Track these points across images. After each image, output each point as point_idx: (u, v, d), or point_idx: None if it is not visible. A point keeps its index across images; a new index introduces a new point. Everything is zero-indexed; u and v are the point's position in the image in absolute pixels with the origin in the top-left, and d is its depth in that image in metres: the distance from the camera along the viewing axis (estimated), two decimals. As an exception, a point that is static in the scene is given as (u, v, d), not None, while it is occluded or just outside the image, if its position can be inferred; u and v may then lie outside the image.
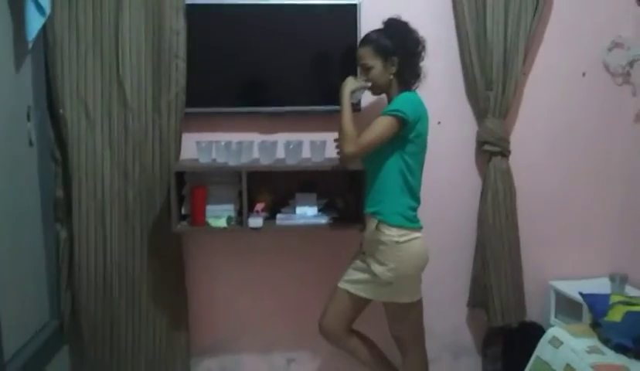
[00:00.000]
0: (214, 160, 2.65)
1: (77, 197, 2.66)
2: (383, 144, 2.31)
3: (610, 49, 3.01)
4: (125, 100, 2.66)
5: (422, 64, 2.45)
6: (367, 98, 2.64)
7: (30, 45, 2.36)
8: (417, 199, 2.44)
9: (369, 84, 2.45)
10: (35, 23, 2.34)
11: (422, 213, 2.44)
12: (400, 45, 2.38)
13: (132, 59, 2.65)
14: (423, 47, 2.45)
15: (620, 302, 2.32)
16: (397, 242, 2.34)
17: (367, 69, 2.42)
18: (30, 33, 2.33)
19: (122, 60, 2.64)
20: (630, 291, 2.80)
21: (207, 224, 2.59)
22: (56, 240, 2.66)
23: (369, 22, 2.62)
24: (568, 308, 2.91)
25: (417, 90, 2.48)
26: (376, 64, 2.39)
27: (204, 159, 2.63)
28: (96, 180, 2.68)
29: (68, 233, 2.69)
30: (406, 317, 2.49)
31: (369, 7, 2.73)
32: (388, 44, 2.38)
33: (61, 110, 2.61)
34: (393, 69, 2.39)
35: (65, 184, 2.67)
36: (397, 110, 2.28)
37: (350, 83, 2.43)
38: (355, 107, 2.48)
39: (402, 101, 2.33)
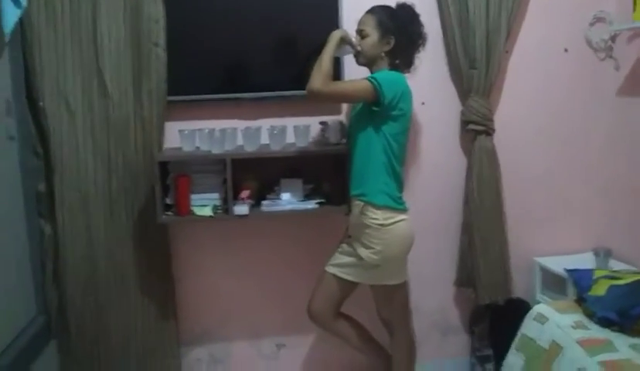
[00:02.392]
0: (198, 148, 2.63)
1: (60, 190, 2.64)
2: (351, 101, 2.36)
3: (592, 24, 3.01)
4: (106, 91, 2.63)
5: (417, 56, 2.47)
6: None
7: (7, 39, 2.32)
8: (401, 179, 2.44)
9: (359, 48, 2.44)
10: (11, 16, 2.29)
11: (408, 193, 2.45)
12: (403, 29, 2.40)
13: (111, 49, 2.61)
14: (424, 42, 2.48)
15: (604, 277, 2.35)
16: (382, 225, 2.35)
17: (363, 36, 2.42)
18: (7, 26, 2.28)
19: (101, 50, 2.60)
20: (614, 264, 2.84)
21: (192, 213, 2.57)
22: (40, 234, 2.64)
23: (350, 6, 2.60)
24: (553, 283, 2.94)
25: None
26: (373, 34, 2.40)
27: (187, 148, 2.61)
28: (79, 172, 2.65)
29: (52, 226, 2.67)
30: (393, 299, 2.51)
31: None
32: (391, 22, 2.39)
33: (41, 103, 2.58)
34: (387, 48, 2.40)
35: (47, 178, 2.64)
36: (378, 84, 2.27)
37: (344, 32, 2.43)
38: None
39: (386, 78, 2.32)
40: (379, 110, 2.31)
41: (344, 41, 2.42)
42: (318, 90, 2.29)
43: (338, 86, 2.31)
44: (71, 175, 2.64)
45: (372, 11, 2.43)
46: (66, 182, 2.64)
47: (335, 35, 2.40)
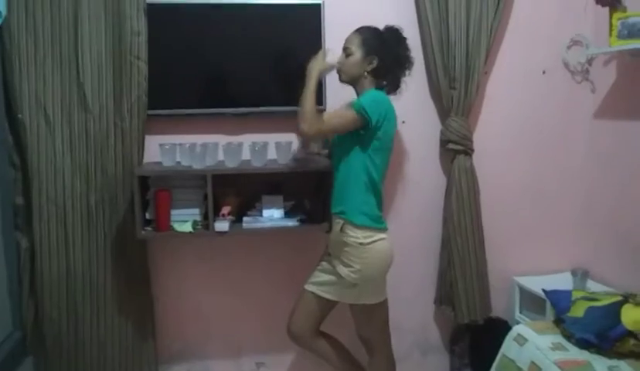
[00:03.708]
0: (178, 163, 2.62)
1: (38, 203, 2.60)
2: (341, 133, 2.35)
3: (569, 47, 3.06)
4: (86, 104, 2.60)
5: (403, 79, 2.49)
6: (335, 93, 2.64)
7: (-15, 50, 2.30)
8: (382, 197, 2.45)
9: (337, 65, 2.45)
10: (-9, 26, 2.28)
11: (388, 211, 2.46)
12: (388, 51, 2.41)
13: (92, 62, 2.60)
14: (410, 65, 2.50)
15: (582, 298, 2.37)
16: (362, 243, 2.34)
17: (348, 54, 2.42)
18: (-14, 37, 2.26)
19: (82, 63, 2.58)
20: (591, 285, 2.87)
21: (172, 229, 2.55)
22: (16, 248, 2.59)
23: (332, 21, 2.62)
24: (532, 302, 2.96)
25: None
26: (357, 53, 2.40)
27: (168, 162, 2.59)
28: (57, 186, 2.62)
29: (29, 240, 2.62)
30: (372, 317, 2.50)
31: (332, 7, 2.73)
32: (376, 43, 2.40)
33: (19, 115, 2.54)
34: (369, 67, 2.40)
35: (25, 190, 2.61)
36: (363, 109, 2.28)
37: (320, 62, 2.42)
38: (321, 108, 2.47)
39: (371, 101, 2.32)
40: (365, 132, 2.32)
41: (322, 72, 2.43)
42: (306, 132, 2.30)
43: (326, 125, 2.30)
44: (49, 188, 2.61)
45: (359, 30, 2.44)
46: (44, 195, 2.60)
47: (312, 72, 2.37)
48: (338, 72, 2.47)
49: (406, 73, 2.51)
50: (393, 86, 2.50)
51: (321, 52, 2.45)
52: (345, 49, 2.44)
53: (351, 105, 2.33)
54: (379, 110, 2.32)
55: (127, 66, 2.60)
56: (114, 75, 2.62)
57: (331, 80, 2.54)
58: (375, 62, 2.39)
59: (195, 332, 2.93)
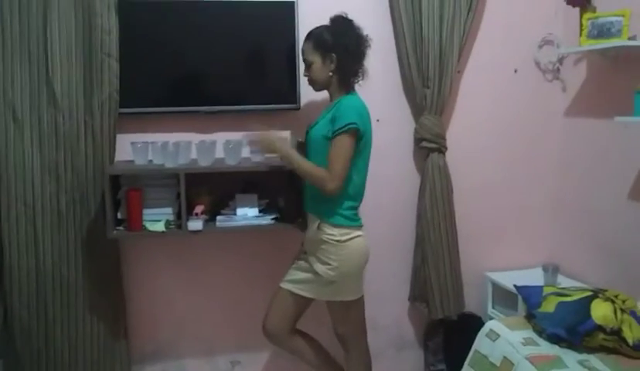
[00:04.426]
0: (150, 161, 2.59)
1: (6, 202, 2.54)
2: (317, 142, 2.33)
3: (540, 47, 3.11)
4: (55, 102, 2.55)
5: (364, 63, 2.44)
6: (308, 96, 2.62)
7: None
8: (360, 198, 2.45)
9: (289, 132, 2.46)
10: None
11: (363, 209, 2.45)
12: (340, 42, 2.35)
13: (62, 59, 2.54)
14: (366, 45, 2.42)
15: (553, 293, 2.40)
16: (339, 241, 2.34)
17: (308, 65, 2.41)
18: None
19: (51, 60, 2.53)
20: (562, 280, 2.92)
21: (145, 229, 2.51)
22: (-16, 248, 2.54)
23: (307, 18, 2.61)
24: (505, 298, 3.00)
25: (357, 88, 2.47)
26: (316, 60, 2.38)
27: (140, 161, 2.56)
28: (25, 184, 2.56)
29: (-3, 239, 2.57)
30: (349, 314, 2.51)
31: (306, 3, 2.73)
32: (328, 40, 2.36)
33: (-14, 112, 2.49)
34: (332, 66, 2.38)
35: (-8, 189, 2.55)
36: (349, 124, 2.25)
37: (284, 142, 2.41)
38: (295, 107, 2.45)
39: (348, 110, 2.29)
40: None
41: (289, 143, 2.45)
42: (333, 190, 2.26)
43: (338, 169, 2.25)
44: (17, 186, 2.55)
45: (308, 37, 2.42)
46: (12, 193, 2.55)
47: (285, 150, 2.36)
48: (311, 83, 2.46)
49: (365, 53, 2.43)
50: (356, 74, 2.43)
51: (270, 138, 2.41)
52: (304, 61, 2.43)
53: (338, 131, 2.26)
54: (360, 116, 2.31)
55: (97, 63, 2.56)
56: (85, 73, 2.57)
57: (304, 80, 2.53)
58: (334, 59, 2.37)
59: (169, 332, 2.90)
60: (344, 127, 2.25)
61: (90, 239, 2.64)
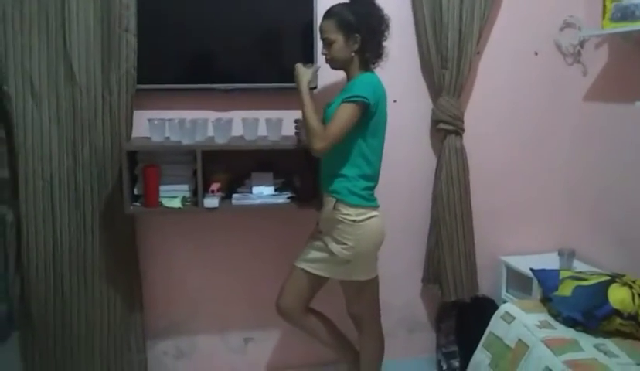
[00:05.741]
0: (167, 138, 2.58)
1: (24, 177, 2.55)
2: (350, 129, 2.28)
3: (561, 29, 3.07)
4: (73, 77, 2.55)
5: (385, 43, 2.42)
6: (325, 76, 2.60)
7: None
8: (376, 179, 2.44)
9: (319, 66, 2.44)
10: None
11: (378, 190, 2.45)
12: (364, 22, 2.34)
13: (80, 34, 2.53)
14: (387, 26, 2.41)
15: (569, 277, 2.39)
16: (355, 221, 2.34)
17: (329, 43, 2.37)
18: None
19: (69, 35, 2.52)
20: (577, 265, 2.90)
21: (161, 205, 2.52)
22: (2, 222, 2.55)
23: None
24: (519, 282, 2.99)
25: (375, 69, 2.46)
26: (338, 39, 2.35)
27: (157, 138, 2.56)
28: (43, 159, 2.57)
29: (15, 214, 2.58)
30: (363, 294, 2.52)
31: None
32: (351, 20, 2.33)
33: (5, 87, 2.49)
34: (355, 46, 2.36)
35: (11, 164, 2.56)
36: (359, 96, 2.25)
37: (305, 74, 2.38)
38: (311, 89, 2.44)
39: (362, 85, 2.30)
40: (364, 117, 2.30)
41: (312, 78, 2.41)
42: (321, 148, 2.26)
43: (334, 131, 2.25)
44: (35, 162, 2.56)
45: (330, 14, 2.37)
46: (30, 169, 2.56)
47: (302, 86, 2.36)
48: (328, 62, 2.43)
49: (386, 35, 2.42)
50: (377, 55, 2.43)
51: (299, 66, 2.41)
52: (324, 39, 2.39)
53: (346, 99, 2.28)
54: (374, 92, 2.30)
55: (115, 38, 2.55)
56: (102, 47, 2.56)
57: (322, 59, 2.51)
58: (358, 39, 2.35)
59: (183, 308, 2.92)
60: (352, 97, 2.26)
61: (107, 214, 2.66)
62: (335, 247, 2.36)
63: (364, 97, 2.25)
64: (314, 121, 2.29)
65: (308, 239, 2.54)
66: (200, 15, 2.66)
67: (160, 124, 2.55)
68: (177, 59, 2.70)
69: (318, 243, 2.44)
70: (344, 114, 2.26)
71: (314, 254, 2.45)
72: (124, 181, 2.46)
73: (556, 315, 2.32)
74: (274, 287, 2.55)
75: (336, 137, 2.26)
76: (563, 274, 2.44)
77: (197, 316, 2.95)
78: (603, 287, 2.25)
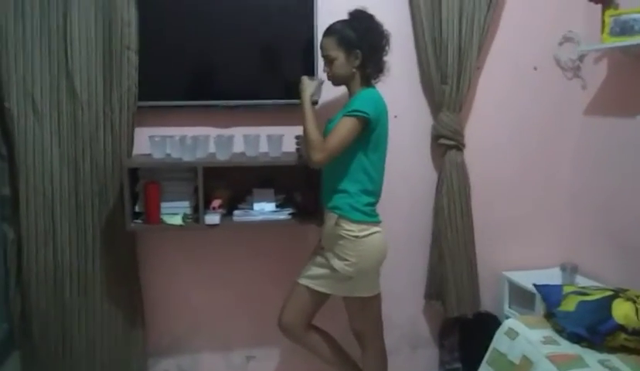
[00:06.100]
0: (168, 155, 2.58)
1: (25, 194, 2.55)
2: (350, 143, 2.29)
3: (561, 44, 3.08)
4: (74, 93, 2.56)
5: (386, 59, 2.44)
6: (327, 91, 2.61)
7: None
8: (378, 194, 2.44)
9: (324, 80, 2.44)
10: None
11: (379, 206, 2.45)
12: (364, 38, 2.35)
13: (82, 51, 2.55)
14: (388, 41, 2.42)
15: (573, 292, 2.38)
16: (357, 237, 2.33)
17: (330, 61, 2.39)
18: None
19: (71, 52, 2.53)
20: (580, 280, 2.89)
21: (162, 222, 2.52)
22: (3, 239, 2.55)
23: (325, 13, 2.60)
24: (521, 297, 2.98)
25: (377, 84, 2.47)
26: (339, 56, 2.36)
27: (158, 154, 2.56)
28: (44, 177, 2.57)
29: (16, 231, 2.58)
30: (366, 311, 2.50)
31: (326, -1, 2.71)
32: (352, 36, 2.34)
33: (6, 104, 2.49)
34: (357, 63, 2.37)
35: (12, 181, 2.56)
36: (359, 111, 2.26)
37: (308, 86, 2.40)
38: (313, 102, 2.44)
39: (363, 100, 2.31)
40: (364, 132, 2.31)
41: (315, 91, 2.42)
42: (320, 160, 2.27)
43: (332, 144, 2.25)
44: (36, 179, 2.56)
45: (330, 32, 2.38)
46: (31, 185, 2.56)
47: (305, 98, 2.37)
48: (330, 79, 2.44)
49: (387, 50, 2.44)
50: (378, 70, 2.44)
51: (304, 78, 2.43)
52: (325, 56, 2.40)
53: (347, 113, 2.29)
54: (374, 107, 2.31)
55: (117, 56, 2.56)
56: (104, 65, 2.57)
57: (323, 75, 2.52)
58: (359, 55, 2.36)
59: (185, 326, 2.90)
60: (353, 111, 2.27)
61: (108, 231, 2.65)
62: (337, 264, 2.35)
63: (364, 112, 2.26)
64: (314, 133, 2.29)
65: (310, 255, 2.53)
66: (201, 32, 2.67)
67: (161, 140, 2.55)
68: (178, 76, 2.71)
69: (320, 260, 2.43)
70: (344, 128, 2.27)
71: (317, 271, 2.44)
72: (125, 198, 2.45)
73: (560, 331, 2.30)
74: (276, 304, 2.54)
75: (335, 150, 2.27)
76: (567, 289, 2.43)
77: (199, 333, 2.93)
78: (606, 302, 2.24)
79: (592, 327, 2.19)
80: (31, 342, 2.63)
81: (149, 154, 2.59)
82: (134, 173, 2.52)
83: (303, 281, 2.46)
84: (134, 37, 2.57)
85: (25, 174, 2.55)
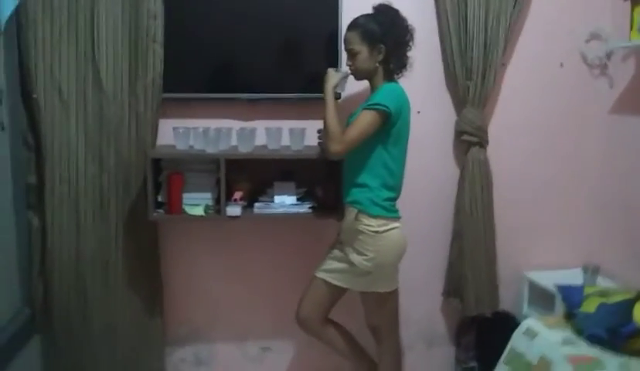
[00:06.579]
0: (192, 147, 2.61)
1: (50, 183, 2.60)
2: (369, 136, 2.29)
3: (588, 41, 3.03)
4: (100, 85, 2.59)
5: (409, 54, 2.43)
6: (349, 86, 2.60)
7: (3, 27, 2.29)
8: (398, 190, 2.44)
9: (349, 72, 2.44)
10: (8, 4, 2.27)
11: (400, 202, 2.45)
12: (389, 32, 2.35)
13: (108, 43, 2.58)
14: (412, 37, 2.42)
15: (594, 294, 2.36)
16: (377, 232, 2.34)
17: (353, 54, 2.38)
18: (3, 14, 2.26)
19: (98, 43, 2.57)
20: (601, 281, 2.85)
21: (184, 212, 2.55)
22: (28, 227, 2.59)
23: (350, 8, 2.59)
24: (541, 298, 2.95)
25: (399, 79, 2.46)
26: (363, 50, 2.36)
27: (181, 146, 2.58)
28: (70, 166, 2.61)
29: (40, 219, 2.62)
30: (383, 306, 2.50)
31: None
32: (376, 30, 2.34)
33: (34, 94, 2.53)
34: (380, 57, 2.37)
35: (38, 170, 2.60)
36: (380, 104, 2.26)
37: (332, 77, 2.40)
38: (336, 96, 2.45)
39: (385, 94, 2.31)
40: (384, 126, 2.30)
41: (336, 85, 2.41)
42: (337, 151, 2.28)
43: (351, 136, 2.27)
44: (62, 168, 2.60)
45: (354, 26, 2.38)
46: (57, 175, 2.60)
47: (327, 88, 2.38)
48: (353, 72, 2.44)
49: (410, 46, 2.43)
50: (401, 65, 2.44)
51: (330, 70, 2.44)
52: (348, 50, 2.40)
53: (367, 106, 2.30)
54: (396, 101, 2.30)
55: (143, 48, 2.59)
56: (130, 56, 2.60)
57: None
58: (383, 50, 2.36)
59: (203, 315, 2.94)
60: (374, 104, 2.27)
61: (131, 221, 2.69)
62: (355, 258, 2.36)
63: (385, 106, 2.26)
64: (333, 123, 2.30)
65: (328, 249, 2.54)
66: (225, 25, 2.69)
67: (185, 132, 2.58)
68: (202, 69, 2.73)
69: (339, 254, 2.44)
70: (364, 120, 2.28)
71: (335, 265, 2.45)
72: (149, 187, 2.49)
73: (579, 332, 2.28)
74: (294, 297, 2.55)
75: (353, 142, 2.28)
76: (588, 291, 2.41)
77: (216, 324, 2.96)
78: (628, 305, 2.21)
79: (613, 329, 2.16)
80: (51, 327, 2.68)
81: (173, 146, 2.62)
82: (157, 164, 2.56)
83: (321, 275, 2.47)
84: (160, 30, 2.59)
85: (51, 163, 2.59)
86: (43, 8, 2.51)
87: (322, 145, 2.61)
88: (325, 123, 2.34)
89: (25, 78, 2.52)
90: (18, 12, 2.45)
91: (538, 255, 3.12)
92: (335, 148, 2.28)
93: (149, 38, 2.58)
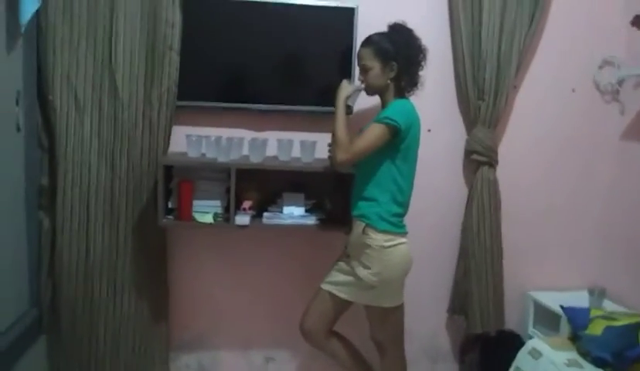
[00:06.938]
0: (203, 155, 2.64)
1: (62, 186, 2.62)
2: (375, 151, 2.32)
3: (600, 67, 3.05)
4: (116, 90, 2.63)
5: (421, 73, 2.46)
6: (361, 102, 2.63)
7: (23, 29, 2.33)
8: (406, 206, 2.45)
9: (363, 86, 2.46)
10: (29, 7, 2.31)
11: (408, 218, 2.46)
12: (402, 51, 2.38)
13: (125, 49, 2.62)
14: (424, 56, 2.45)
15: (600, 317, 2.36)
16: (383, 246, 2.34)
17: (366, 70, 2.42)
18: (24, 16, 2.29)
19: (115, 49, 2.61)
20: (607, 304, 2.85)
21: (194, 219, 2.57)
22: (38, 227, 2.62)
23: (365, 26, 2.62)
24: (546, 318, 2.95)
25: (410, 97, 2.49)
26: (375, 66, 2.39)
27: (193, 154, 2.61)
28: (82, 169, 2.64)
29: (51, 221, 2.65)
30: (388, 321, 2.50)
31: (366, 11, 2.73)
32: (389, 48, 2.38)
33: (50, 97, 2.57)
34: (392, 74, 2.40)
35: (51, 172, 2.63)
36: (390, 118, 2.28)
37: (345, 89, 2.44)
38: (348, 110, 2.47)
39: (395, 109, 2.34)
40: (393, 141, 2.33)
41: (348, 96, 2.44)
42: (344, 161, 2.31)
43: (359, 147, 2.30)
44: (75, 171, 2.63)
45: (368, 42, 2.42)
46: (69, 177, 2.63)
47: (339, 99, 2.41)
48: (365, 89, 2.47)
49: (423, 65, 2.46)
50: (413, 83, 2.47)
51: (344, 81, 2.47)
52: (361, 66, 2.44)
53: (377, 120, 2.32)
54: (406, 117, 2.32)
55: (159, 55, 2.63)
56: (147, 63, 2.64)
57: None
58: (395, 67, 2.39)
59: (208, 322, 2.95)
60: (384, 118, 2.29)
61: (140, 226, 2.71)
62: (361, 272, 2.37)
63: (395, 120, 2.28)
64: (342, 133, 2.33)
65: (335, 262, 2.55)
66: (241, 37, 2.72)
67: (197, 140, 2.61)
68: (217, 79, 2.77)
69: (345, 267, 2.45)
70: (372, 133, 2.30)
71: (341, 277, 2.45)
72: (159, 193, 2.51)
73: (585, 354, 2.28)
74: (299, 308, 2.56)
75: (360, 154, 2.30)
76: (594, 313, 2.41)
77: (221, 331, 2.97)
78: (634, 329, 2.21)
79: (618, 353, 2.16)
80: (58, 329, 2.70)
81: (185, 153, 2.64)
82: (168, 170, 2.59)
83: (326, 287, 2.48)
84: (177, 38, 2.63)
85: (64, 166, 2.62)
86: (63, 13, 2.55)
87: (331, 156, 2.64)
88: (333, 131, 2.37)
89: (42, 80, 2.56)
90: (38, 16, 2.50)
91: (544, 276, 3.12)
92: (342, 156, 2.30)
93: (166, 46, 2.62)
